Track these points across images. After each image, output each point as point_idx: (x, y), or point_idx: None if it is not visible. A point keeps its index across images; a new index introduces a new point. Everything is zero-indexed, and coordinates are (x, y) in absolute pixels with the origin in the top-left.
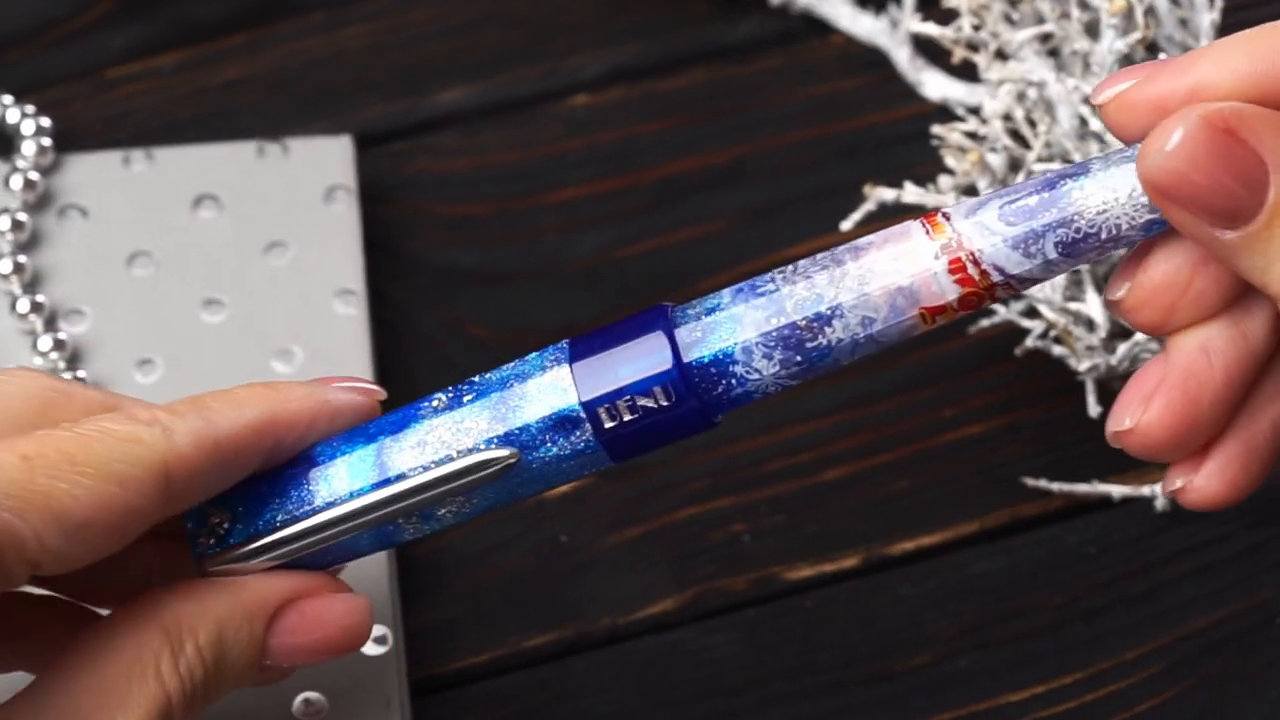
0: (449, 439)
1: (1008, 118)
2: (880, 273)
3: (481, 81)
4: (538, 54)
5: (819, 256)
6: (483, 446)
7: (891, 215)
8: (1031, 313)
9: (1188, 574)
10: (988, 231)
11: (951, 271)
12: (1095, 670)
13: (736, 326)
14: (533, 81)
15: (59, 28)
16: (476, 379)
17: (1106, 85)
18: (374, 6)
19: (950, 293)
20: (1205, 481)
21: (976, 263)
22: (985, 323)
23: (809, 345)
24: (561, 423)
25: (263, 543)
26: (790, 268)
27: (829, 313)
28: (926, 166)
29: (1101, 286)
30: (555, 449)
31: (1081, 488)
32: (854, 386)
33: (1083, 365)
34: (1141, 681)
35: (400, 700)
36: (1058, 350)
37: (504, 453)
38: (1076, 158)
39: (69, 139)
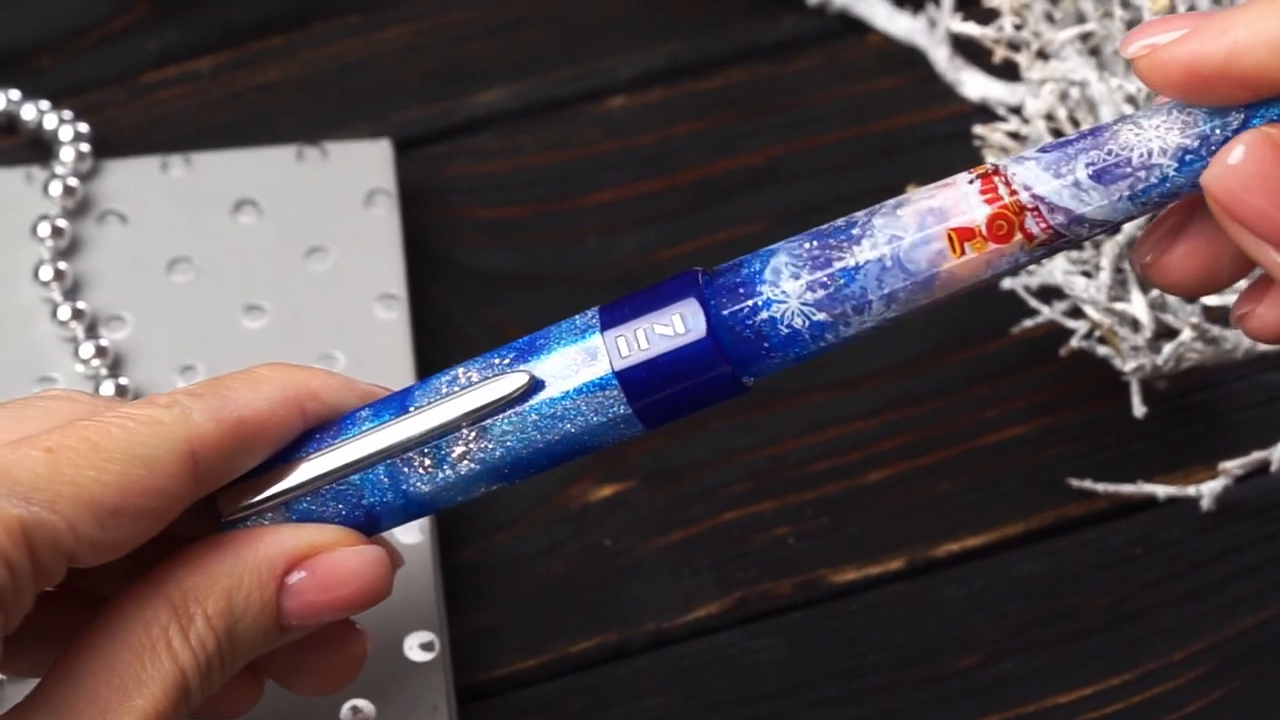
0: (474, 376)
1: (1050, 117)
2: (915, 199)
3: (519, 83)
4: (575, 55)
5: (862, 213)
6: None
7: None
8: (1076, 313)
9: (1234, 574)
10: (1024, 159)
11: (983, 191)
12: (1143, 671)
13: (768, 254)
14: (570, 82)
15: (94, 32)
16: (513, 342)
17: (1139, 35)
18: (410, 9)
19: (978, 211)
20: (1267, 310)
21: (1008, 183)
22: (1028, 323)
23: (836, 264)
24: (584, 356)
25: (280, 484)
26: (831, 224)
27: (859, 233)
28: (966, 166)
29: (1146, 286)
30: (576, 385)
31: (1126, 488)
32: (896, 388)
33: (1128, 365)
34: (1189, 682)
35: (447, 707)
36: (1102, 351)
37: (519, 377)
38: None
39: (106, 144)
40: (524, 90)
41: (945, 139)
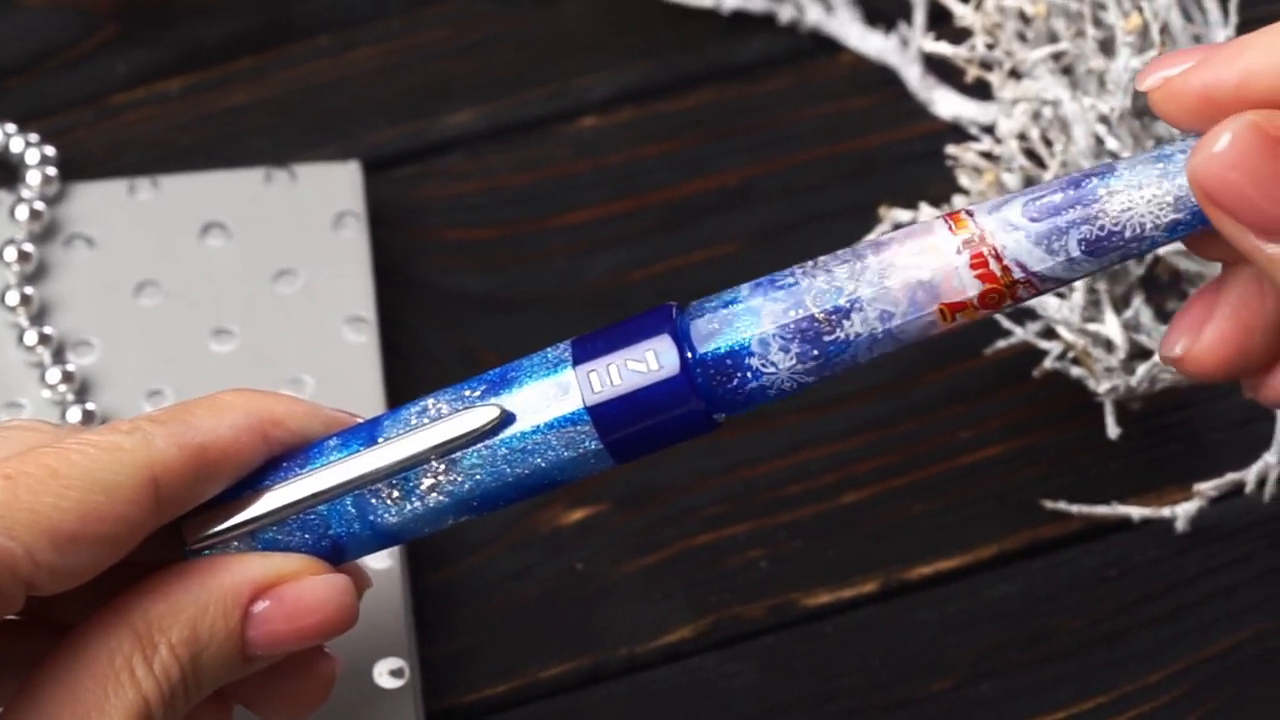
0: (444, 409)
1: (1023, 137)
2: (901, 266)
3: (489, 103)
4: (546, 75)
5: (840, 252)
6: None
7: None
8: (1049, 333)
9: (1209, 595)
10: (1011, 227)
11: (973, 266)
12: (1118, 694)
13: (754, 318)
14: (541, 103)
15: (62, 54)
16: (484, 374)
17: (1153, 69)
18: (381, 29)
19: (971, 288)
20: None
21: (999, 258)
22: (1002, 343)
23: (827, 339)
24: (556, 390)
25: (246, 513)
26: (811, 263)
27: (848, 305)
28: (939, 186)
29: (1119, 307)
30: (547, 419)
31: (1101, 510)
32: (871, 408)
33: (1102, 386)
34: (1165, 705)
35: None
36: (1076, 371)
37: (489, 410)
38: None
39: (73, 167)
40: (494, 111)
41: (918, 158)
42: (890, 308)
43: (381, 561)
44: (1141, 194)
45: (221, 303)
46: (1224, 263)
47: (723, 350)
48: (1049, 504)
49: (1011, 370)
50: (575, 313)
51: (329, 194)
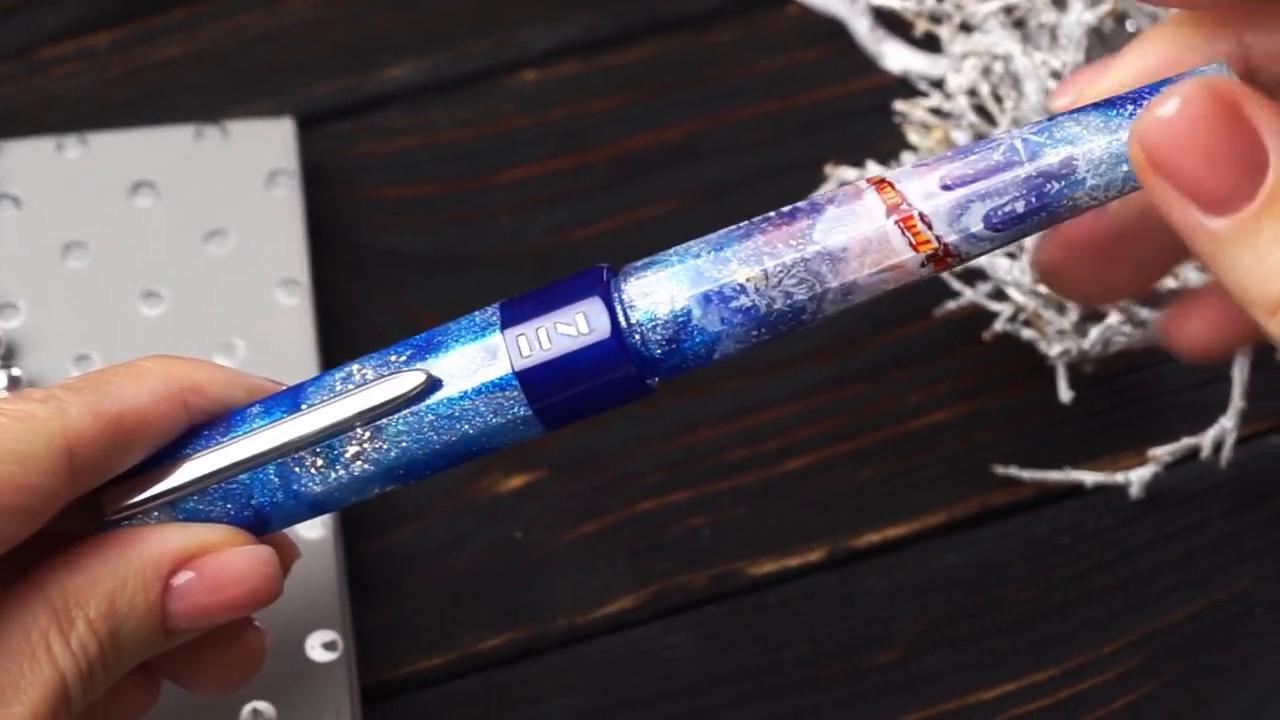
0: (370, 374)
1: (973, 93)
2: (838, 223)
3: (428, 56)
4: (486, 26)
5: (780, 210)
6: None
7: None
8: (999, 295)
9: (1164, 563)
10: (929, 196)
11: (920, 252)
12: (1070, 665)
13: (695, 277)
14: (481, 55)
15: None
16: (411, 339)
17: (1065, 90)
18: None
19: (906, 253)
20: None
21: (928, 224)
22: (951, 305)
23: (775, 310)
24: (484, 354)
25: (165, 483)
26: (747, 222)
27: (791, 262)
28: (888, 141)
29: None
30: (474, 385)
31: (1053, 475)
32: (815, 372)
33: (1053, 349)
34: (1118, 677)
35: (351, 707)
36: (1027, 334)
37: (415, 376)
38: None
39: (1, 124)
40: (434, 64)
41: (867, 112)
42: (827, 267)
43: (314, 531)
44: (1087, 156)
45: (151, 264)
46: None
47: (661, 311)
48: (1000, 470)
49: (961, 332)
50: (516, 273)
51: (261, 151)
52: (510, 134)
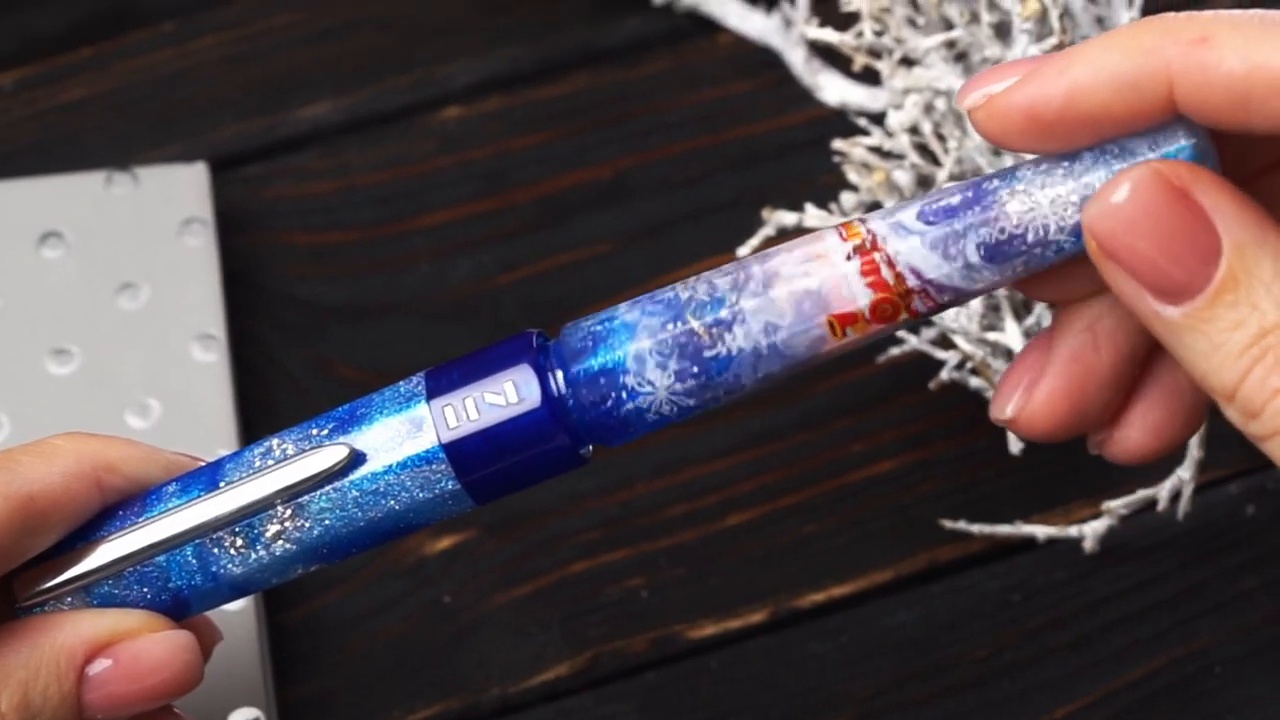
0: (290, 449)
1: (915, 130)
2: (787, 275)
3: (345, 94)
4: (406, 62)
5: (725, 266)
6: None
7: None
8: (945, 342)
9: (1120, 620)
10: (905, 231)
11: (864, 273)
12: None
13: (629, 333)
14: (400, 93)
15: None
16: (333, 411)
17: (975, 85)
18: (228, 14)
19: (862, 297)
20: (1126, 433)
21: (891, 264)
22: (895, 350)
23: (707, 354)
24: (409, 426)
25: (79, 567)
26: (694, 278)
27: (730, 317)
28: (827, 177)
29: (1020, 314)
30: (400, 459)
31: (1003, 529)
32: (756, 421)
33: None
34: None
35: None
36: (975, 382)
37: (337, 450)
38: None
39: None
40: (351, 102)
41: (803, 147)
42: (775, 319)
43: (236, 602)
44: (1045, 194)
45: (60, 320)
46: (1054, 308)
47: (595, 368)
48: (948, 523)
49: (906, 379)
50: (439, 321)
51: (174, 198)
52: (431, 175)
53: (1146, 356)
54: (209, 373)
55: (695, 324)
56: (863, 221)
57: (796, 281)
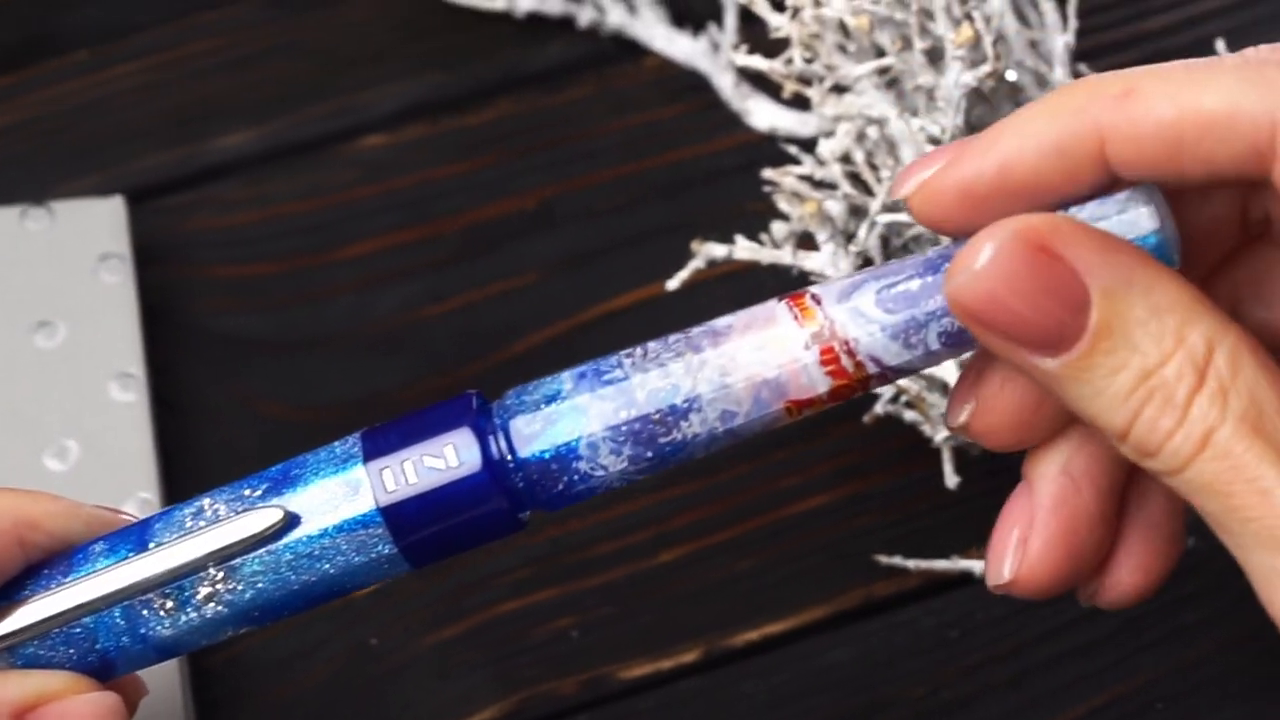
0: (222, 510)
1: (847, 159)
2: (744, 363)
3: (266, 123)
4: (326, 89)
5: (672, 340)
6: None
7: (722, 270)
8: None
9: (1060, 656)
10: (864, 319)
11: (824, 363)
12: None
13: (581, 418)
14: (321, 120)
15: None
16: (266, 471)
17: (906, 175)
18: (144, 41)
19: (821, 385)
20: (1117, 578)
21: (852, 354)
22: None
23: (662, 440)
24: (345, 489)
25: (2, 628)
26: (640, 350)
27: (685, 406)
28: (756, 204)
29: None
30: (335, 522)
31: (940, 564)
32: None
33: (938, 435)
34: None
35: None
36: (910, 416)
37: (271, 513)
38: None
39: None
40: (271, 131)
41: (732, 173)
42: (733, 407)
43: None
44: None
45: None
46: (1027, 465)
47: (548, 454)
48: (884, 559)
49: (840, 411)
50: (366, 355)
51: (90, 232)
52: (354, 204)
53: (1125, 489)
54: (128, 412)
55: (650, 411)
56: (816, 301)
57: (754, 370)
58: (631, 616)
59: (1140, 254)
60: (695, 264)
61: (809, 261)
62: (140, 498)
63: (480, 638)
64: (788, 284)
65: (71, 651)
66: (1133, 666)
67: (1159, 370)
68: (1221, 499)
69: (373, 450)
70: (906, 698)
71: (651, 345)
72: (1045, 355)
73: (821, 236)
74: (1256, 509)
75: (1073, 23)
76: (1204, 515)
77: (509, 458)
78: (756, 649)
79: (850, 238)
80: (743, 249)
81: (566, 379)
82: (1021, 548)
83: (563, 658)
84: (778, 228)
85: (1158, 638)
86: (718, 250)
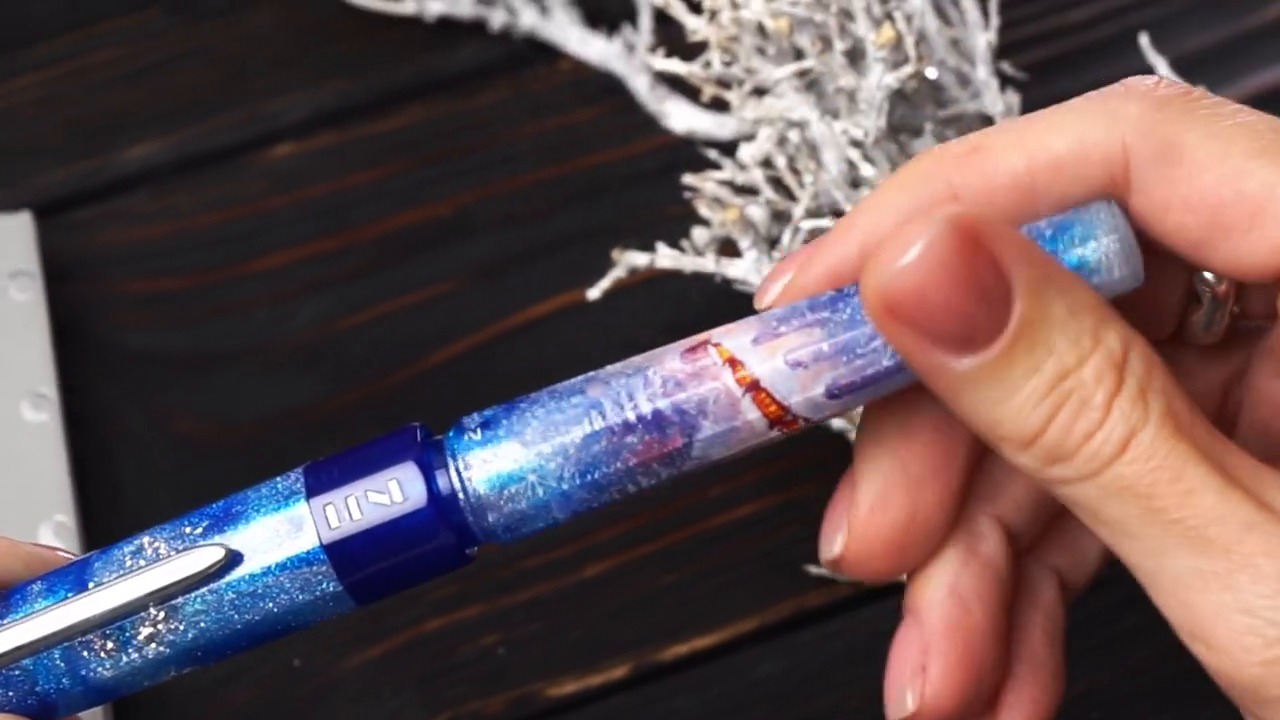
0: (163, 548)
1: (768, 164)
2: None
3: (173, 133)
4: (233, 98)
5: (624, 366)
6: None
7: (644, 276)
8: None
9: None
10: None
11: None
12: None
13: (529, 450)
14: (230, 130)
15: None
16: (207, 507)
17: (769, 284)
18: (44, 52)
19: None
20: (1010, 717)
21: (795, 419)
22: None
23: (614, 493)
24: (288, 526)
25: None
26: (592, 377)
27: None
28: (675, 207)
29: None
30: (278, 559)
31: None
32: None
33: None
34: None
35: None
36: (838, 424)
37: (212, 551)
38: (847, 208)
39: None
40: (178, 141)
41: (651, 176)
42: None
43: None
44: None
45: None
46: (910, 596)
47: (495, 488)
48: (814, 569)
49: None
50: (282, 369)
51: None
52: (266, 215)
53: (1013, 605)
54: (41, 433)
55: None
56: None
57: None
58: (559, 632)
59: (1053, 257)
60: (616, 273)
61: (732, 269)
62: (56, 520)
63: (405, 657)
64: (710, 290)
65: (10, 694)
66: (1071, 672)
67: (1077, 371)
68: (1141, 501)
69: (316, 486)
70: (842, 709)
71: (595, 394)
72: (962, 354)
73: (744, 243)
74: (1179, 510)
75: (994, 19)
76: (1104, 525)
77: (456, 492)
78: (687, 663)
79: (773, 243)
80: (664, 257)
81: (514, 409)
82: (920, 676)
83: (490, 676)
84: (699, 234)
85: (1097, 642)
86: (639, 259)
